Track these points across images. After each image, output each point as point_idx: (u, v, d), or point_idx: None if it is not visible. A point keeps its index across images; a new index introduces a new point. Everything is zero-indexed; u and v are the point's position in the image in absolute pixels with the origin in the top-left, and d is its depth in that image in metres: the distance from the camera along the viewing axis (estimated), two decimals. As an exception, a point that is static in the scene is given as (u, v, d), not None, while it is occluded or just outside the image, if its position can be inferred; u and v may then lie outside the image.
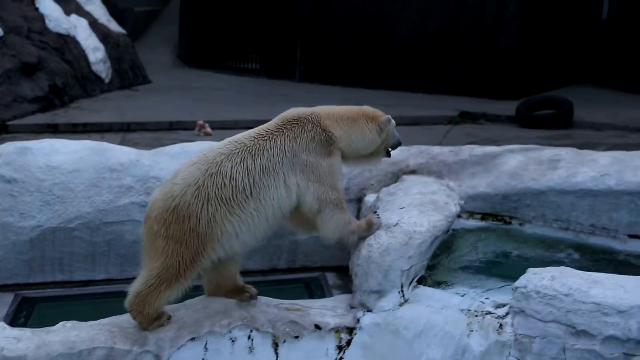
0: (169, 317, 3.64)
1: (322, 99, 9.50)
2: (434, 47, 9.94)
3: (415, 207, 4.15)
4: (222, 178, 3.63)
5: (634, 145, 7.41)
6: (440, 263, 4.10)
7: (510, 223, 4.55)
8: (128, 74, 9.55)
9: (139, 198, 4.61)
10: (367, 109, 4.10)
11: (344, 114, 4.01)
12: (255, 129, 3.85)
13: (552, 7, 10.27)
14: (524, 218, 4.54)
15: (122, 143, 6.87)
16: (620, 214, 4.41)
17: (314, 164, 3.86)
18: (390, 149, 3.99)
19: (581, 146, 5.76)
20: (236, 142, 3.73)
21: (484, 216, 4.60)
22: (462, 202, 4.47)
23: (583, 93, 10.08)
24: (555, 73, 10.49)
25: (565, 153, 4.71)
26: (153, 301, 3.62)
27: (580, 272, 3.32)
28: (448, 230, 4.18)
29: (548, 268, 3.38)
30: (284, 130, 3.83)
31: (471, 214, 4.59)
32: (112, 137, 7.47)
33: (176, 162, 4.80)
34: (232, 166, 3.65)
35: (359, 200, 4.88)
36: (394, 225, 3.91)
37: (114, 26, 9.67)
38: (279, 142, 3.78)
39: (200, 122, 7.91)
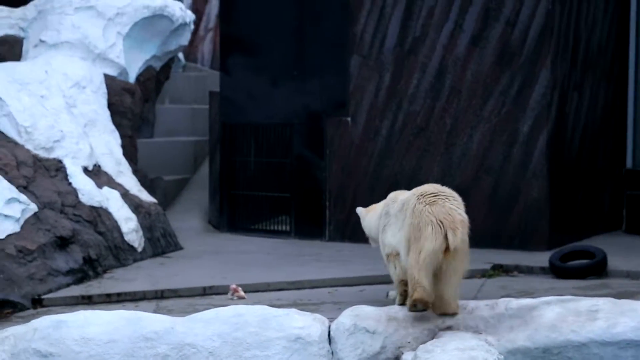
0: None
1: (353, 256, 9.52)
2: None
3: (454, 365, 4.09)
4: None
5: (672, 292, 7.29)
6: (483, 422, 4.00)
7: (553, 377, 4.46)
8: (160, 241, 9.65)
9: (175, 366, 4.58)
10: None
11: None
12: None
13: (577, 158, 10.39)
14: (567, 371, 4.45)
15: (156, 311, 6.86)
16: (666, 364, 4.31)
17: None
18: None
19: (618, 296, 5.69)
20: None
21: (526, 371, 4.51)
22: (502, 357, 4.40)
23: (615, 241, 10.04)
24: (586, 223, 10.49)
25: (603, 303, 4.65)
26: None
27: None
28: (490, 387, 4.10)
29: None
30: None
31: (512, 369, 4.51)
32: (146, 305, 7.47)
33: (211, 327, 4.78)
34: None
35: (397, 359, 4.82)
36: (434, 384, 3.84)
37: (145, 196, 9.83)
38: None
39: (233, 286, 7.91)
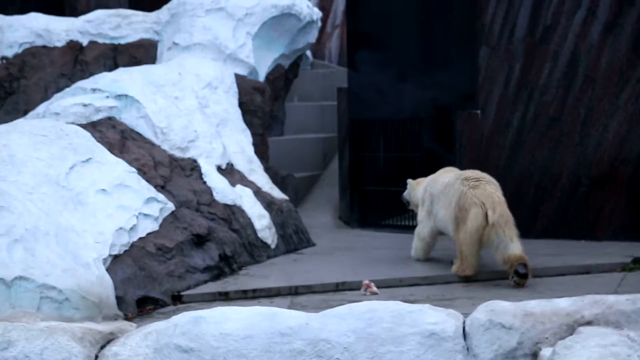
0: None
1: (486, 250, 9.36)
2: (598, 193, 9.77)
3: (595, 361, 3.99)
4: None
5: None
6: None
7: (701, 375, 4.28)
8: (292, 238, 9.76)
9: (311, 362, 4.63)
10: None
11: None
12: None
13: None
14: None
15: (290, 307, 6.94)
16: None
17: None
18: None
19: None
20: None
21: (672, 368, 4.35)
22: (646, 353, 4.25)
23: None
24: None
25: None
26: None
27: None
28: (634, 385, 3.97)
29: None
30: None
31: (657, 366, 4.36)
32: (280, 301, 7.57)
33: (345, 323, 4.81)
34: None
35: (535, 355, 4.73)
36: (575, 382, 3.75)
37: (276, 193, 9.97)
38: None
39: (366, 281, 7.93)
